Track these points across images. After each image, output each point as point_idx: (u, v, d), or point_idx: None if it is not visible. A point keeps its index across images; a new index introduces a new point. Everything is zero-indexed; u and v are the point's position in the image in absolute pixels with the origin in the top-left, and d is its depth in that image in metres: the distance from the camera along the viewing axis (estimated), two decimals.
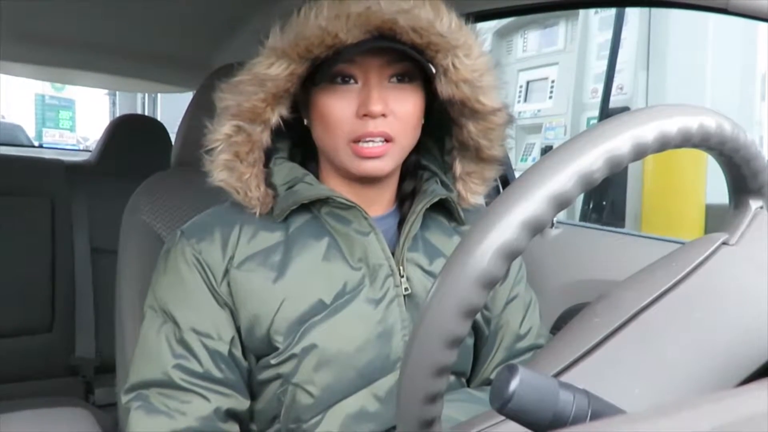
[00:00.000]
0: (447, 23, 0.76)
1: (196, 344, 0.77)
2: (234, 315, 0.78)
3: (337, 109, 0.76)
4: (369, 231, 0.79)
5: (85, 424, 1.21)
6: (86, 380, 1.89)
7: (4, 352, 1.78)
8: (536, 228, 0.41)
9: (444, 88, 0.79)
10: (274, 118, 0.78)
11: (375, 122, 0.74)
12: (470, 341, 0.87)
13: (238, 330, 0.79)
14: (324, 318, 0.76)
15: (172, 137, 1.24)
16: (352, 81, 0.76)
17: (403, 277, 0.80)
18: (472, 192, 0.87)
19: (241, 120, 0.77)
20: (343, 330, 0.77)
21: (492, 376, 0.90)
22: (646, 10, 3.55)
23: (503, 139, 0.85)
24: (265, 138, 0.79)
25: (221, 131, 0.78)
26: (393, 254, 0.81)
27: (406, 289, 0.80)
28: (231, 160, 0.78)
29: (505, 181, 1.44)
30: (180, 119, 1.15)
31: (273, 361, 0.77)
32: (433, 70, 0.79)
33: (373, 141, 0.75)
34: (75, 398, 1.71)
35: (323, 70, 0.75)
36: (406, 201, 0.85)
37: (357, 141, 0.75)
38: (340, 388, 0.77)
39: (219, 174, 0.78)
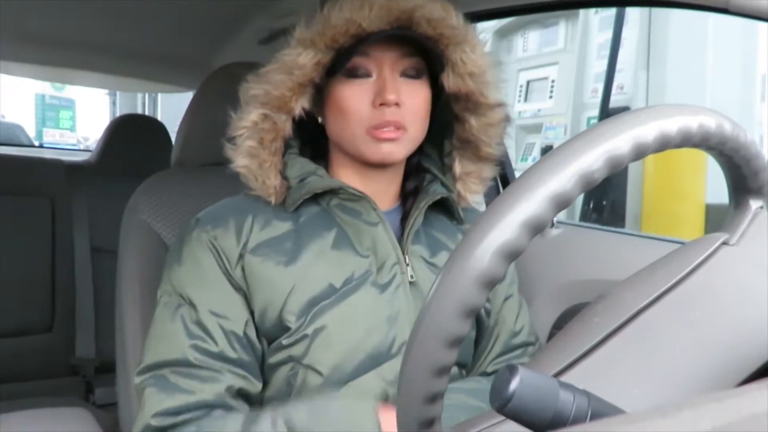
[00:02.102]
0: (456, 20, 0.83)
1: (212, 325, 0.79)
2: (248, 299, 0.81)
3: (354, 100, 0.81)
4: (377, 222, 0.84)
5: (85, 424, 1.21)
6: (86, 380, 1.89)
7: (4, 352, 1.78)
8: (536, 228, 0.41)
9: (452, 82, 0.85)
10: (298, 109, 0.82)
11: (390, 110, 0.79)
12: (472, 334, 0.92)
13: (251, 314, 0.81)
14: (334, 302, 0.80)
15: (173, 137, 1.24)
16: (366, 75, 0.81)
17: (408, 265, 0.85)
18: (470, 191, 0.92)
19: (269, 108, 0.82)
20: (353, 313, 0.80)
21: (488, 369, 0.94)
22: (646, 9, 3.55)
23: (501, 138, 0.90)
24: (288, 128, 0.83)
25: (248, 119, 0.82)
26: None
27: (411, 276, 0.84)
28: (255, 147, 0.82)
29: (505, 180, 1.44)
30: (180, 119, 1.15)
31: (285, 342, 0.79)
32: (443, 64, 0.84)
33: (388, 127, 0.80)
34: (75, 398, 1.71)
35: (343, 59, 0.80)
36: (409, 199, 0.90)
37: (373, 129, 0.80)
38: (349, 370, 0.79)
39: (241, 160, 0.82)
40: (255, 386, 0.81)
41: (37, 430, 1.18)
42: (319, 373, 0.79)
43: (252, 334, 0.81)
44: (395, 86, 0.80)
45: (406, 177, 0.91)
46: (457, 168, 0.91)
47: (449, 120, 0.90)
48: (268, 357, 0.82)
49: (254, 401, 0.82)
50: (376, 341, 0.80)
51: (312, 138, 0.89)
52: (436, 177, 0.91)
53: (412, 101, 0.81)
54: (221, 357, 0.78)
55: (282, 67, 0.81)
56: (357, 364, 0.79)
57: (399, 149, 0.82)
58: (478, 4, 1.24)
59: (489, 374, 0.93)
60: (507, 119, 0.89)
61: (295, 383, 0.80)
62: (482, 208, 1.15)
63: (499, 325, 0.94)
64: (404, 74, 0.82)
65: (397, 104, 0.79)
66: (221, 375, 0.78)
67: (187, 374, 0.77)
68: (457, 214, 0.91)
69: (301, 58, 0.80)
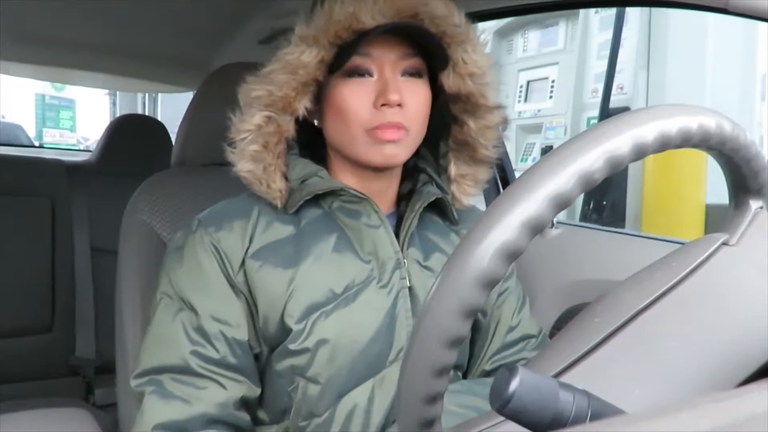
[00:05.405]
0: (459, 18, 0.82)
1: (213, 331, 0.78)
2: (249, 303, 0.80)
3: (355, 100, 0.79)
4: (379, 224, 0.83)
5: (85, 425, 1.21)
6: (86, 380, 1.89)
7: (4, 352, 1.78)
8: (536, 228, 0.41)
9: (452, 82, 0.83)
10: (301, 109, 0.80)
11: (392, 111, 0.78)
12: (468, 334, 0.89)
13: (252, 318, 0.80)
14: (334, 309, 0.78)
15: (173, 137, 1.24)
16: (367, 75, 0.79)
17: (406, 269, 0.83)
18: (465, 194, 0.91)
19: (273, 110, 0.80)
20: (354, 320, 0.79)
21: (487, 367, 0.93)
22: (646, 9, 3.55)
23: (498, 140, 0.89)
24: (291, 129, 0.81)
25: (252, 122, 0.80)
26: None
27: (408, 281, 0.83)
28: (260, 151, 0.80)
29: (505, 181, 1.44)
30: (180, 119, 1.15)
31: (291, 347, 0.78)
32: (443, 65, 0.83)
33: (390, 128, 0.78)
34: (75, 398, 1.71)
35: (345, 56, 0.78)
36: (403, 201, 0.88)
37: (374, 129, 0.78)
38: (352, 378, 0.78)
39: (245, 164, 0.80)
40: (254, 391, 0.80)
41: (37, 430, 1.18)
42: (320, 385, 0.78)
43: (252, 339, 0.80)
44: (397, 86, 0.78)
45: (402, 179, 0.90)
46: (452, 170, 0.90)
47: (446, 121, 0.89)
48: (274, 363, 0.81)
49: (253, 405, 0.81)
50: (378, 349, 0.79)
51: (309, 143, 0.87)
52: (431, 178, 0.89)
53: (414, 101, 0.79)
54: (222, 364, 0.78)
55: (285, 67, 0.79)
56: (359, 373, 0.79)
57: (401, 151, 0.80)
58: (478, 4, 1.23)
59: (488, 372, 0.92)
60: (505, 121, 0.88)
61: (295, 396, 0.79)
62: (482, 207, 1.15)
63: (495, 321, 0.93)
64: (405, 73, 0.80)
65: (399, 105, 0.78)
66: (223, 384, 0.77)
67: (186, 382, 0.77)
68: (452, 215, 0.90)
69: (305, 56, 0.78)
